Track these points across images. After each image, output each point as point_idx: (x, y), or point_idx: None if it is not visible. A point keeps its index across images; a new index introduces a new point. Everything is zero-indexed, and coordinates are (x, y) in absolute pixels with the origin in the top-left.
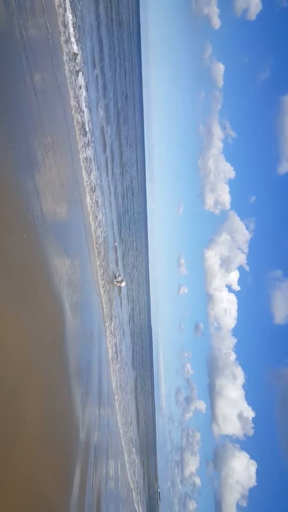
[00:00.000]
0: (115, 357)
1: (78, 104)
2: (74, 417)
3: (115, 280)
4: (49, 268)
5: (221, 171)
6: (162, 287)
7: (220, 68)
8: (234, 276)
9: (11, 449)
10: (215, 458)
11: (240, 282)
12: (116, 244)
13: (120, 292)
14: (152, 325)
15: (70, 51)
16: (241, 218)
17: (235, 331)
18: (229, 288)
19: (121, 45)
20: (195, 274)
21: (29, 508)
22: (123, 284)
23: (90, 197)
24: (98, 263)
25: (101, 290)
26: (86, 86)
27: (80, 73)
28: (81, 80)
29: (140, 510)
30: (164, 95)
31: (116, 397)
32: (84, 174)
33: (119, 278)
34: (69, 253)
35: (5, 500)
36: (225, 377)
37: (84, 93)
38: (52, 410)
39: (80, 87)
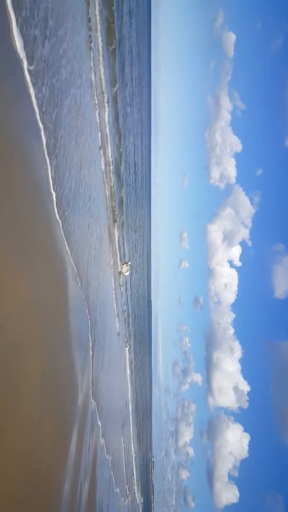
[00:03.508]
0: (117, 327)
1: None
2: (73, 379)
3: (120, 264)
4: (54, 231)
5: (228, 144)
6: (163, 261)
7: (231, 38)
8: (236, 251)
9: (12, 399)
10: (209, 429)
11: (242, 257)
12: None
13: (121, 284)
14: (151, 299)
15: None
16: (246, 192)
17: (235, 306)
18: (231, 264)
19: (130, 15)
20: (197, 248)
21: (28, 454)
22: (127, 273)
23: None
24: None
25: (108, 259)
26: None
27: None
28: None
29: (134, 477)
30: (172, 63)
31: (115, 365)
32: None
33: (126, 267)
34: (74, 219)
35: (5, 446)
36: (223, 350)
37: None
38: (52, 368)
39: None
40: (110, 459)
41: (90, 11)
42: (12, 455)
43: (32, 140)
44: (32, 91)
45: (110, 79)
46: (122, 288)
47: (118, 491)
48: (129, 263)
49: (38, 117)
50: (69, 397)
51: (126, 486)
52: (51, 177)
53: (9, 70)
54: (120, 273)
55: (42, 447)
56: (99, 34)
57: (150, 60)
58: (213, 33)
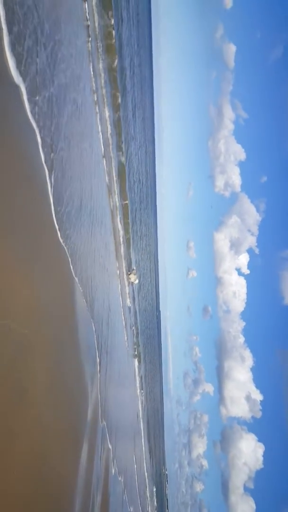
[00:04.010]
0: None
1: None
2: (82, 386)
3: (128, 273)
4: (57, 239)
5: (231, 153)
6: (171, 271)
7: (231, 49)
8: (243, 259)
9: (22, 400)
10: (222, 440)
11: (249, 265)
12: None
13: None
14: (160, 309)
15: None
16: (252, 200)
17: (244, 314)
18: (239, 272)
19: (131, 28)
20: (204, 257)
21: (38, 458)
22: (136, 281)
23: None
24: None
25: (115, 268)
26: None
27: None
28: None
29: (147, 491)
30: (174, 75)
31: (125, 379)
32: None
33: (133, 273)
34: (78, 231)
35: (15, 448)
36: (234, 359)
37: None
38: (60, 373)
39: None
40: (123, 471)
41: (88, 16)
42: (22, 459)
43: (31, 150)
44: (27, 107)
45: (111, 92)
46: (130, 301)
47: (131, 506)
48: (134, 269)
49: (34, 123)
50: (79, 404)
51: (139, 500)
52: (51, 185)
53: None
54: (130, 283)
55: (52, 453)
56: (99, 49)
57: (152, 72)
58: (213, 44)
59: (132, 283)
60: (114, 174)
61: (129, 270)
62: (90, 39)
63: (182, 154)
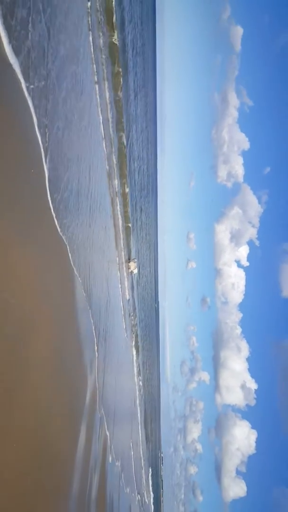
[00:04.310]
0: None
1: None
2: (82, 367)
3: (128, 262)
4: (50, 220)
5: (235, 142)
6: (170, 262)
7: (238, 32)
8: (243, 251)
9: (23, 370)
10: (217, 426)
11: (249, 257)
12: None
13: (130, 275)
14: (159, 299)
15: None
16: (254, 191)
17: (242, 306)
18: (238, 263)
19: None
20: (204, 249)
21: (38, 432)
22: (136, 270)
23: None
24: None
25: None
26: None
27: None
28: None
29: (143, 472)
30: (178, 58)
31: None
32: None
33: (133, 261)
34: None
35: (15, 420)
36: (230, 349)
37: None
38: (61, 350)
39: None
40: (120, 453)
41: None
42: (22, 431)
43: (27, 127)
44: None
45: (112, 76)
46: (128, 290)
47: (128, 487)
48: (134, 258)
49: (29, 101)
50: (78, 386)
51: (135, 481)
52: (48, 171)
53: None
54: (130, 272)
55: (52, 427)
56: (101, 23)
57: (156, 56)
58: (219, 26)
59: (132, 272)
60: (114, 159)
61: (129, 259)
62: (90, 10)
63: (185, 142)
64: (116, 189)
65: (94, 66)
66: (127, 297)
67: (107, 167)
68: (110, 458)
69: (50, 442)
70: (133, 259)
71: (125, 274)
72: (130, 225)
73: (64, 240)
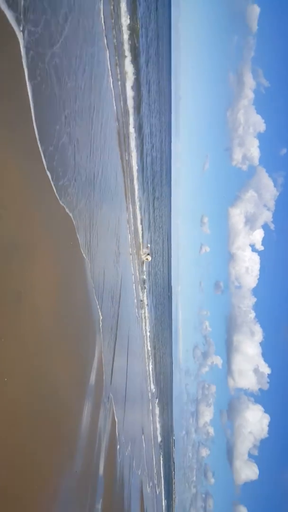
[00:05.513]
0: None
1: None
2: (90, 317)
3: (142, 252)
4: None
5: (250, 124)
6: (183, 246)
7: (255, 11)
8: (258, 235)
9: (15, 308)
10: (229, 410)
11: (264, 241)
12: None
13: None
14: (172, 284)
15: None
16: (270, 173)
17: (256, 290)
18: (253, 248)
19: None
20: (218, 233)
21: (34, 372)
22: (149, 258)
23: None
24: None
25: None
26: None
27: None
28: None
29: (154, 456)
30: (193, 41)
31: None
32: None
33: (146, 251)
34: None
35: (6, 355)
36: (243, 334)
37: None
38: (64, 290)
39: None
40: (130, 432)
41: None
42: (15, 369)
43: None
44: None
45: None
46: (140, 274)
47: (138, 466)
48: (148, 246)
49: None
50: (87, 338)
51: (146, 461)
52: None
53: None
54: (144, 259)
55: (52, 371)
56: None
57: (170, 39)
58: (235, 5)
59: (147, 258)
60: (127, 133)
61: (143, 246)
62: None
63: (199, 125)
64: (130, 173)
65: (108, 52)
66: (140, 280)
67: (119, 147)
68: (120, 436)
69: (50, 373)
70: (148, 247)
71: (136, 257)
72: (142, 206)
73: (71, 216)
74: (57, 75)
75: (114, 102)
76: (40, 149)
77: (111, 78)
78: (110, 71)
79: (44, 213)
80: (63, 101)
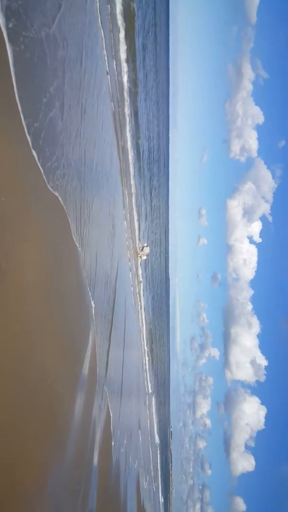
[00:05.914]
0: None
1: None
2: (84, 307)
3: (138, 249)
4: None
5: (249, 116)
6: (181, 238)
7: (254, 1)
8: (256, 227)
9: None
10: (226, 402)
11: (262, 233)
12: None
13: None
14: (170, 276)
15: None
16: (268, 165)
17: (253, 283)
18: (250, 240)
19: None
20: (216, 225)
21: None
22: (145, 257)
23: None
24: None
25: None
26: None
27: None
28: None
29: (151, 448)
30: (192, 31)
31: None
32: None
33: (143, 249)
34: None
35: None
36: (241, 326)
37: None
38: (55, 272)
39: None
40: (126, 422)
41: None
42: (12, 363)
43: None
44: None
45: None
46: (137, 266)
47: (135, 457)
48: (146, 244)
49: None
50: (82, 328)
51: (142, 455)
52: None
53: None
54: (142, 256)
55: (41, 354)
56: None
57: (168, 28)
58: None
59: (143, 255)
60: (123, 125)
61: (141, 243)
62: None
63: (197, 116)
64: (125, 162)
65: (104, 41)
66: (137, 272)
67: (115, 132)
68: (115, 425)
69: (47, 373)
70: (145, 245)
71: (133, 251)
72: (138, 197)
73: (58, 197)
74: (44, 42)
75: (109, 82)
76: (24, 124)
77: (106, 58)
78: (105, 57)
79: (31, 192)
80: (52, 71)
